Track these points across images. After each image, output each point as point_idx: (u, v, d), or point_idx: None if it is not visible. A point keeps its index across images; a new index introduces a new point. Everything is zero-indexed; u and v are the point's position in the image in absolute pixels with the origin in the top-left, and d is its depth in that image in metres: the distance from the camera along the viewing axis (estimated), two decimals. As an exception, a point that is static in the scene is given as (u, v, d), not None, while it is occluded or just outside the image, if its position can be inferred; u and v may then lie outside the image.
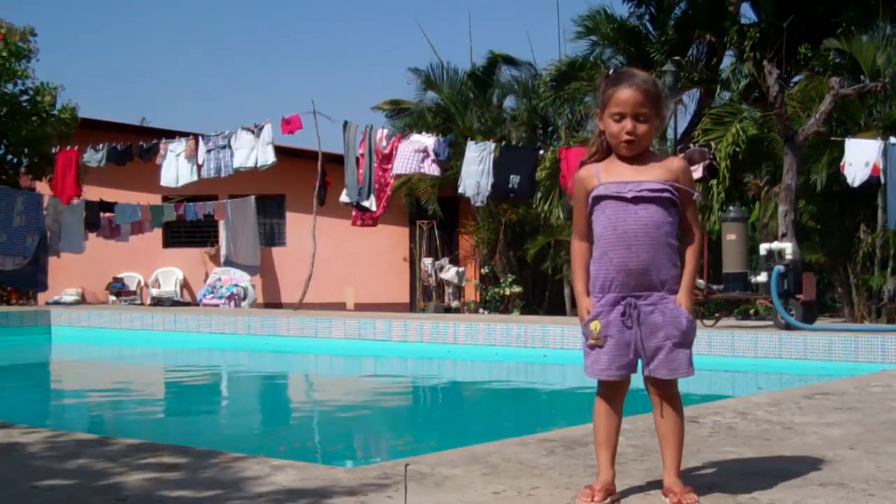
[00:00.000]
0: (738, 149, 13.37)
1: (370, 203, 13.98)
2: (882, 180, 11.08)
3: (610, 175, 2.78)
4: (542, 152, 13.90)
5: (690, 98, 17.10)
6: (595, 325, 2.74)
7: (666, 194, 2.72)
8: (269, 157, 14.16)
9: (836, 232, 14.21)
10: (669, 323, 2.70)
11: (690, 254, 2.82)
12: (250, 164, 14.32)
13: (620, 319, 2.71)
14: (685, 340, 2.72)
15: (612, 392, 2.78)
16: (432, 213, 18.07)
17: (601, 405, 2.79)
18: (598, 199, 2.77)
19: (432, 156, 13.24)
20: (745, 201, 15.03)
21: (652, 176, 2.74)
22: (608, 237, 2.74)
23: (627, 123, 2.72)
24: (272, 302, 19.27)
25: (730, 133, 13.71)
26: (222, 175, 14.58)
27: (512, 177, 12.92)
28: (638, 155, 2.78)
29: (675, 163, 2.81)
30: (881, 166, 10.89)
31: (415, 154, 13.26)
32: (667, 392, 2.75)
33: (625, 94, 2.73)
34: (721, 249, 10.33)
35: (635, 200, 2.71)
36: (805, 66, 14.45)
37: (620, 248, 2.71)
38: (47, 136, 16.28)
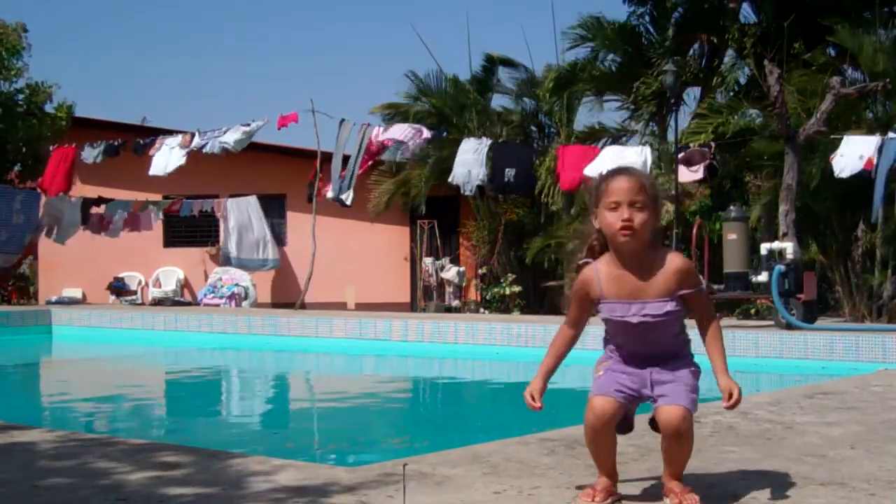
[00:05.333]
0: (728, 142, 13.41)
1: (347, 197, 14.03)
2: (873, 175, 11.01)
3: (612, 284, 2.72)
4: (537, 147, 14.09)
5: (691, 97, 17.11)
6: (606, 364, 2.78)
7: (671, 314, 2.68)
8: (236, 135, 14.17)
9: (835, 231, 14.20)
10: (679, 379, 2.70)
11: (714, 342, 2.74)
12: (234, 143, 14.31)
13: (629, 368, 2.74)
14: (693, 387, 2.71)
15: (602, 416, 2.65)
16: (416, 207, 18.01)
17: (591, 430, 2.69)
18: (605, 318, 2.77)
19: (426, 132, 13.52)
20: (745, 201, 15.02)
21: (655, 290, 2.68)
22: (618, 337, 2.77)
23: (624, 211, 2.65)
24: (273, 301, 19.25)
25: (716, 123, 13.78)
26: (206, 151, 14.57)
27: (507, 170, 13.14)
28: (638, 254, 2.69)
29: (676, 263, 2.71)
30: (875, 161, 10.82)
31: (410, 129, 13.53)
32: (678, 424, 2.64)
33: (620, 183, 2.68)
34: (722, 249, 10.33)
35: (642, 324, 2.69)
36: (805, 66, 14.44)
37: (632, 345, 2.74)
38: (43, 136, 16.29)
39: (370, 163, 14.18)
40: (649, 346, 2.72)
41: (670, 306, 2.68)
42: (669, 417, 2.62)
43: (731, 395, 2.65)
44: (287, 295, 18.87)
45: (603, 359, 2.81)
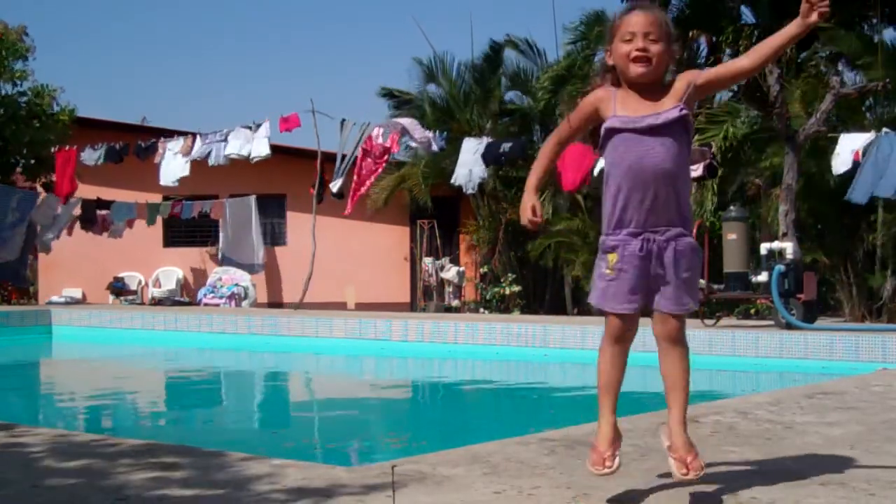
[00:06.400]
0: (730, 145, 13.41)
1: (335, 185, 14.09)
2: (861, 162, 10.93)
3: (626, 107, 2.69)
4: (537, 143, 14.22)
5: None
6: (612, 257, 2.69)
7: (683, 117, 2.64)
8: (263, 150, 14.19)
9: (836, 231, 14.21)
10: (682, 257, 2.65)
11: (758, 45, 2.72)
12: (244, 153, 14.32)
13: (638, 254, 2.65)
14: (695, 275, 2.69)
15: (621, 332, 2.69)
16: (422, 206, 18.08)
17: (608, 349, 2.72)
18: (611, 132, 2.69)
19: (434, 145, 13.57)
20: (745, 201, 15.02)
21: (667, 106, 2.67)
22: (623, 178, 2.66)
23: (638, 41, 2.64)
24: (273, 301, 19.27)
25: (722, 131, 13.78)
26: (211, 163, 14.59)
27: (504, 144, 13.29)
28: (652, 86, 2.68)
29: (677, 82, 2.71)
30: (862, 152, 10.78)
31: (423, 131, 13.61)
32: (674, 332, 2.67)
33: (635, 17, 2.67)
34: (722, 249, 10.32)
35: (651, 132, 2.63)
36: (804, 67, 14.46)
37: (637, 187, 2.64)
38: (47, 140, 16.33)
39: (383, 164, 14.17)
40: (655, 198, 2.63)
41: (683, 108, 2.65)
42: (666, 321, 2.66)
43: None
44: (279, 295, 18.88)
45: (608, 247, 2.70)
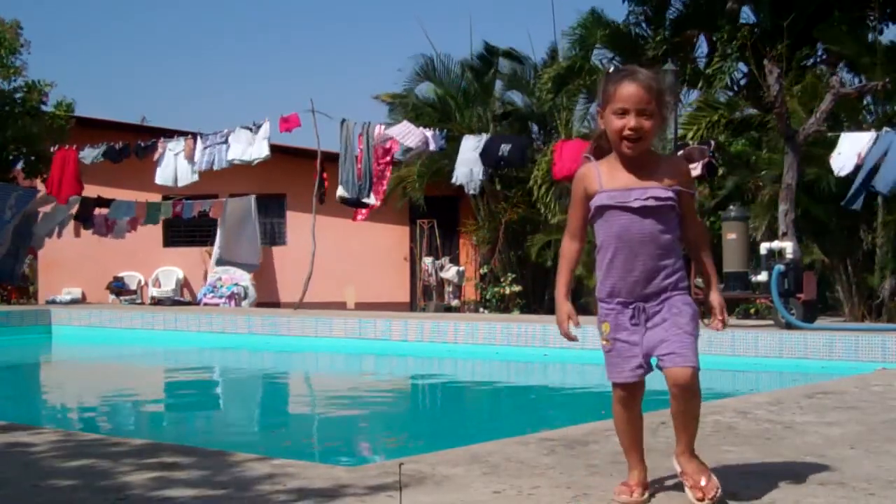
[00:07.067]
0: (715, 133, 13.45)
1: (371, 199, 14.01)
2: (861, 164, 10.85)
3: (613, 181, 2.70)
4: (536, 141, 14.14)
5: (688, 96, 17.11)
6: (605, 327, 2.72)
7: (670, 202, 2.66)
8: (262, 152, 14.15)
9: (835, 231, 14.20)
10: (676, 314, 2.64)
11: (704, 251, 2.77)
12: (246, 157, 14.28)
13: (630, 322, 2.67)
14: (693, 331, 2.66)
15: (628, 398, 2.70)
16: (415, 204, 18.08)
17: (620, 413, 2.73)
18: (602, 208, 2.70)
19: (432, 144, 13.49)
20: (744, 201, 15.02)
21: (656, 181, 2.67)
22: (613, 246, 2.68)
23: (631, 120, 2.63)
24: (269, 301, 19.24)
25: (716, 115, 13.80)
26: (215, 168, 14.57)
27: (503, 146, 13.13)
28: (640, 156, 2.69)
29: (676, 164, 2.77)
30: (864, 154, 10.68)
31: (419, 133, 13.50)
32: (687, 382, 2.60)
33: (628, 90, 2.65)
34: (721, 248, 10.31)
35: (641, 210, 2.65)
36: (802, 66, 14.45)
37: (626, 259, 2.66)
38: (38, 134, 16.28)
39: (390, 165, 14.13)
40: (644, 268, 2.65)
41: (672, 192, 2.66)
42: (680, 376, 2.59)
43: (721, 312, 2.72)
44: (288, 295, 18.86)
45: (602, 316, 2.73)
